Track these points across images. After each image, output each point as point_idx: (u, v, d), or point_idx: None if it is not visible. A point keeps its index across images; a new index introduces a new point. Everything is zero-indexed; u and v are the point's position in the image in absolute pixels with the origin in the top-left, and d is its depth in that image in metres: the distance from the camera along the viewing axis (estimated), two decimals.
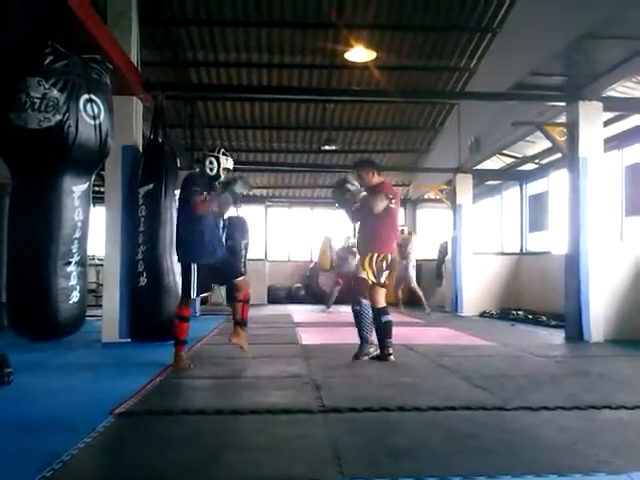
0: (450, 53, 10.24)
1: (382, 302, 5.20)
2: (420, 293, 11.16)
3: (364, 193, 5.32)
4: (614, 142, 8.37)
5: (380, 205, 5.09)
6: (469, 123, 10.62)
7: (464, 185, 11.18)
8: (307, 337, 7.01)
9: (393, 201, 5.19)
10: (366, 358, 5.16)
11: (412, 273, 11.17)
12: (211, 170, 4.82)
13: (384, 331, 5.13)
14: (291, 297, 15.20)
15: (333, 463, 2.41)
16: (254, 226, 14.56)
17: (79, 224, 3.52)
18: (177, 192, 6.22)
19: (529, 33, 7.73)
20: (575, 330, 6.77)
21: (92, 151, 3.55)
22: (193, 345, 6.02)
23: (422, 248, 12.01)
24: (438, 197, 12.11)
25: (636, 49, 6.05)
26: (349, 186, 5.31)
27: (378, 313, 5.13)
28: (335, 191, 5.53)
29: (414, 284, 11.22)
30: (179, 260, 4.99)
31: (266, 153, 14.32)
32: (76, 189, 3.52)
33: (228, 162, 4.89)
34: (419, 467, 2.38)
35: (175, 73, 10.49)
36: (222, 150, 4.94)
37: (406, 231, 12.90)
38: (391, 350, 5.14)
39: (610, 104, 6.97)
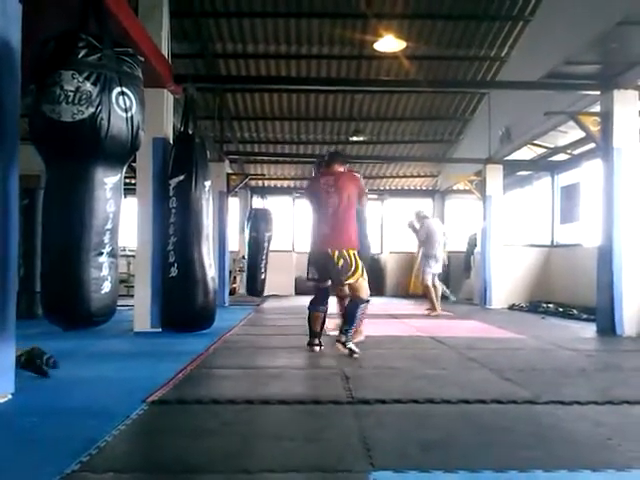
0: (480, 42, 10.10)
1: None
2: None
3: None
4: None
5: None
6: (500, 113, 10.48)
7: (494, 176, 11.05)
8: (335, 328, 7.00)
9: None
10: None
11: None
12: None
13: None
14: None
15: (363, 454, 2.42)
16: (282, 218, 14.64)
17: (111, 215, 3.57)
18: (207, 183, 6.29)
19: (562, 21, 7.57)
20: (607, 324, 6.65)
21: (124, 143, 3.59)
22: (222, 335, 6.09)
23: (450, 240, 11.91)
24: (467, 188, 11.98)
25: None
26: None
27: None
28: None
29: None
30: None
31: (294, 144, 14.33)
32: (108, 181, 3.57)
33: None
34: (449, 460, 2.37)
35: (204, 65, 10.55)
36: None
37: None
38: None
39: None
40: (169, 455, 2.44)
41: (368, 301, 4.96)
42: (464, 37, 9.94)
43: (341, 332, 4.88)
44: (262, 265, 13.49)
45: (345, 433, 2.76)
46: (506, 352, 5.37)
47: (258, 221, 13.53)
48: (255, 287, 13.44)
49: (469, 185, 11.76)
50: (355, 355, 4.77)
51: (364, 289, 4.92)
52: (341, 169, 5.18)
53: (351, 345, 4.82)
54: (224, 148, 11.47)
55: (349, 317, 4.88)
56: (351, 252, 4.83)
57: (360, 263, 4.87)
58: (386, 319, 8.52)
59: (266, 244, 13.57)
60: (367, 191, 5.35)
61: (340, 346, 4.81)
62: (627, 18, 5.72)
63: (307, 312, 5.25)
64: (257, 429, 2.83)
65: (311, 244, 5.15)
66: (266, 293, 13.41)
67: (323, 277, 5.06)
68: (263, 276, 13.60)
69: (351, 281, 4.86)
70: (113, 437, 2.58)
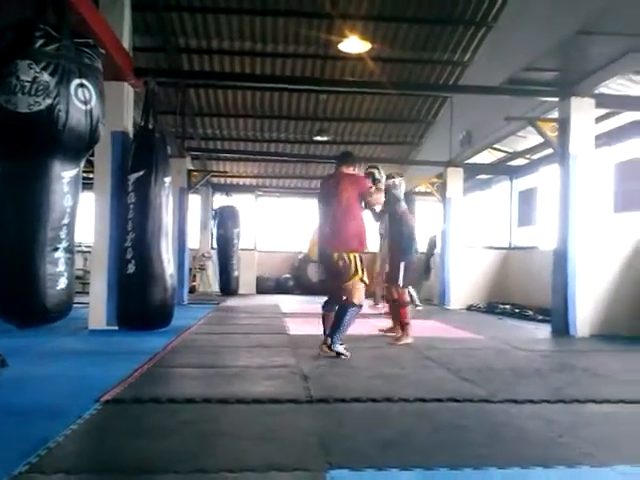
0: (444, 46, 10.22)
1: None
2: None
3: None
4: (605, 139, 8.42)
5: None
6: (461, 117, 10.64)
7: (455, 179, 11.21)
8: (295, 327, 7.02)
9: None
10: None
11: None
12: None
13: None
14: (279, 287, 15.21)
15: (320, 453, 2.43)
16: (244, 216, 14.56)
17: (68, 210, 3.49)
18: (167, 179, 6.20)
19: (523, 28, 7.74)
20: (561, 325, 6.83)
21: (82, 136, 3.52)
22: (180, 334, 6.02)
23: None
24: (429, 190, 12.12)
25: (629, 46, 6.08)
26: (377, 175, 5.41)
27: None
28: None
29: None
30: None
31: (257, 142, 14.26)
32: (65, 175, 3.49)
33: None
34: (405, 458, 2.39)
35: (167, 59, 10.40)
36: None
37: None
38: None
39: (602, 101, 6.99)
40: (123, 455, 2.39)
41: (360, 306, 4.93)
42: (428, 40, 10.06)
43: (327, 335, 4.87)
44: (234, 262, 13.37)
45: (303, 432, 2.76)
46: (464, 352, 5.45)
47: (225, 218, 13.42)
48: (229, 285, 13.28)
49: (430, 187, 11.90)
50: (344, 357, 4.77)
51: (357, 293, 4.88)
52: (349, 170, 5.19)
53: (338, 348, 4.81)
54: (186, 144, 11.32)
55: (337, 322, 4.85)
56: (351, 255, 4.85)
57: (360, 266, 4.87)
58: None
59: (235, 241, 13.49)
60: (374, 190, 5.16)
61: (326, 348, 4.80)
62: (585, 28, 5.88)
63: (322, 312, 5.22)
64: (215, 428, 2.80)
65: (318, 245, 5.25)
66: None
67: (330, 278, 5.15)
68: (236, 273, 13.48)
69: (348, 283, 4.87)
70: (64, 437, 2.52)
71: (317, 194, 5.37)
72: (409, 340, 5.86)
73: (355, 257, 4.86)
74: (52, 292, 3.39)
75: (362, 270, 4.89)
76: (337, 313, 4.90)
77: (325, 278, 5.23)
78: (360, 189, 5.04)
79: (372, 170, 5.47)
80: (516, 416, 3.12)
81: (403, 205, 6.13)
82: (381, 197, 5.33)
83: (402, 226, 6.11)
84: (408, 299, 6.14)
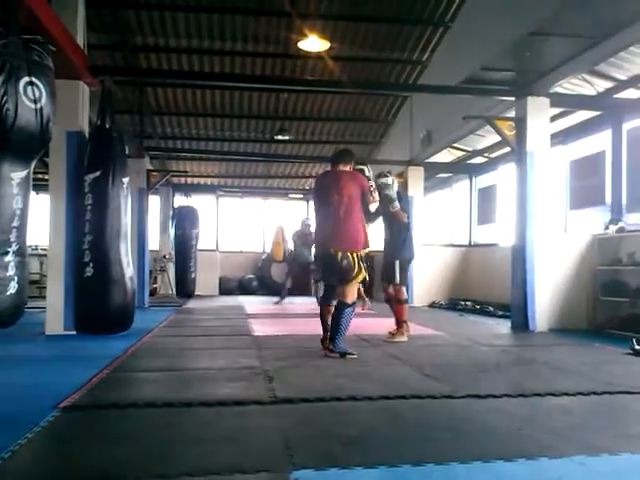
0: (403, 45, 10.31)
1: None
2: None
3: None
4: (560, 137, 8.61)
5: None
6: (421, 116, 10.74)
7: (415, 177, 11.30)
8: (259, 328, 6.97)
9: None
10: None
11: None
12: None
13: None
14: (243, 288, 15.11)
15: (284, 454, 2.40)
16: (205, 216, 14.40)
17: (18, 212, 3.38)
18: (125, 180, 6.08)
19: (480, 28, 7.86)
20: (521, 320, 6.95)
21: (32, 136, 3.41)
22: (141, 337, 5.90)
23: (373, 240, 12.08)
24: None
25: (582, 47, 6.22)
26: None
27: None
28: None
29: None
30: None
31: (218, 142, 14.13)
32: (15, 176, 3.38)
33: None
34: (369, 455, 2.39)
35: (124, 58, 10.20)
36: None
37: None
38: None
39: (557, 100, 7.15)
40: (82, 463, 2.32)
41: (353, 304, 4.93)
42: (387, 40, 10.12)
43: (330, 340, 4.88)
44: (191, 264, 13.20)
45: (267, 433, 2.73)
46: (426, 348, 5.50)
47: (183, 219, 13.23)
48: (186, 288, 13.10)
49: None
50: (351, 356, 4.79)
51: (351, 293, 4.90)
52: (346, 168, 5.13)
53: (342, 349, 4.83)
54: (144, 143, 11.12)
55: (336, 325, 4.86)
56: (354, 254, 4.83)
57: (362, 266, 4.87)
58: (311, 317, 8.54)
59: (194, 242, 13.31)
60: (373, 189, 5.13)
61: (329, 353, 4.85)
62: (539, 29, 6.00)
63: (319, 308, 5.29)
64: (177, 432, 2.74)
65: (315, 244, 5.22)
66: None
67: (327, 276, 5.14)
68: (193, 275, 13.30)
69: (353, 282, 4.88)
70: (20, 447, 2.43)
71: (313, 192, 5.30)
72: (404, 338, 5.88)
73: (358, 256, 4.87)
74: (2, 297, 3.28)
75: (364, 269, 4.91)
76: (333, 316, 4.92)
77: (323, 277, 5.24)
78: (362, 187, 4.99)
79: (362, 167, 5.40)
80: (478, 411, 3.15)
81: (397, 205, 5.91)
82: (377, 195, 5.32)
83: (396, 225, 6.05)
84: (405, 296, 6.10)
